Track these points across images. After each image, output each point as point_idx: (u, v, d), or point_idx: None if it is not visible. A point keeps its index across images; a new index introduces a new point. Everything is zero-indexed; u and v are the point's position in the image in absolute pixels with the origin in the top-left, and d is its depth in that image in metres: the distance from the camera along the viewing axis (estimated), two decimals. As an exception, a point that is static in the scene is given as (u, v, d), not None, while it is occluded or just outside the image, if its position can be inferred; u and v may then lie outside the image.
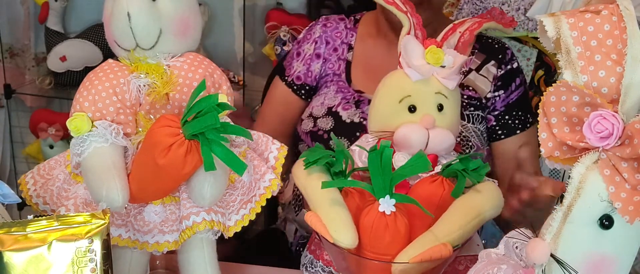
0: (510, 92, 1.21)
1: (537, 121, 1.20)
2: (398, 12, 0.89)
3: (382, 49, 1.25)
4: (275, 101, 1.33)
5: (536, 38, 1.61)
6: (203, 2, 2.00)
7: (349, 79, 1.25)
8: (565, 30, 0.60)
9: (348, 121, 1.17)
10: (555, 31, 0.60)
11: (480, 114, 1.20)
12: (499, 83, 1.20)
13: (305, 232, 1.29)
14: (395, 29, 1.20)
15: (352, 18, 1.31)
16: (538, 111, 0.62)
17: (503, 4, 1.72)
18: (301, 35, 1.33)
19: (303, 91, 1.29)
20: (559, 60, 0.61)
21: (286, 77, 1.31)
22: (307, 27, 1.34)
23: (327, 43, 1.28)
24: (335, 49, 1.27)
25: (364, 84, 1.23)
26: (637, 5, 1.35)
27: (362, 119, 1.16)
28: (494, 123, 1.21)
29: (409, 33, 0.88)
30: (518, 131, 1.21)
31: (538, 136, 1.26)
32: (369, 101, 1.16)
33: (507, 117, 1.21)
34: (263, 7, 2.06)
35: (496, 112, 1.21)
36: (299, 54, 1.30)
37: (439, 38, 0.89)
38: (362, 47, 1.27)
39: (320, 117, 1.21)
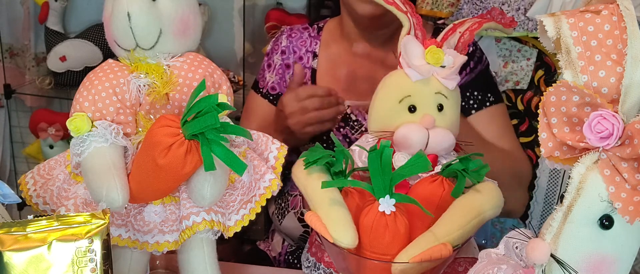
0: (465, 75, 1.22)
1: (500, 101, 1.26)
2: (398, 12, 0.89)
3: (344, 51, 1.28)
4: (253, 114, 1.34)
5: (536, 38, 1.61)
6: (203, 2, 2.00)
7: None
8: (565, 30, 0.60)
9: None
10: (555, 31, 0.60)
11: None
12: None
13: (292, 241, 1.28)
14: (359, 28, 1.24)
15: (316, 26, 1.34)
16: (538, 108, 0.62)
17: (503, 4, 1.71)
18: (269, 47, 1.36)
19: None
20: (559, 60, 0.61)
21: (261, 89, 1.34)
22: (273, 39, 1.37)
23: (294, 52, 1.31)
24: (301, 58, 1.31)
25: None
26: (637, 5, 1.35)
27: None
28: None
29: (409, 33, 0.88)
30: (473, 111, 1.22)
31: (505, 113, 1.31)
32: None
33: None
34: (263, 7, 2.06)
35: None
36: (270, 66, 1.34)
37: (439, 38, 0.89)
38: (326, 53, 1.31)
39: None
